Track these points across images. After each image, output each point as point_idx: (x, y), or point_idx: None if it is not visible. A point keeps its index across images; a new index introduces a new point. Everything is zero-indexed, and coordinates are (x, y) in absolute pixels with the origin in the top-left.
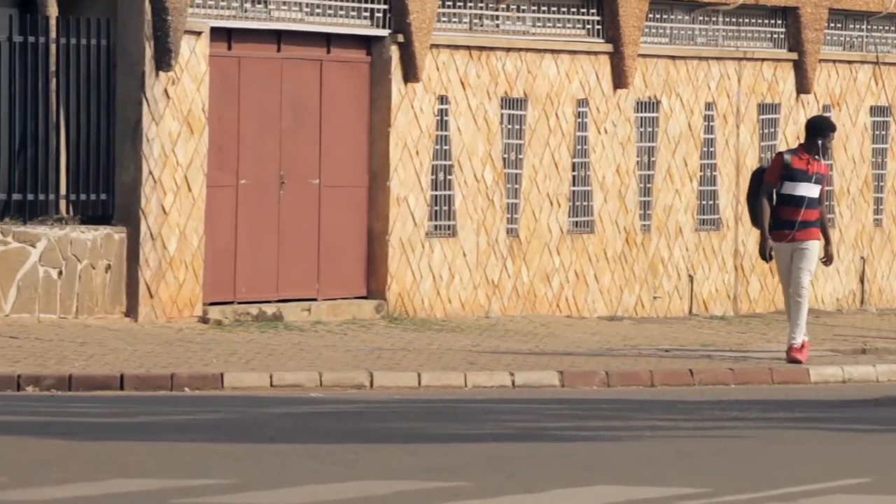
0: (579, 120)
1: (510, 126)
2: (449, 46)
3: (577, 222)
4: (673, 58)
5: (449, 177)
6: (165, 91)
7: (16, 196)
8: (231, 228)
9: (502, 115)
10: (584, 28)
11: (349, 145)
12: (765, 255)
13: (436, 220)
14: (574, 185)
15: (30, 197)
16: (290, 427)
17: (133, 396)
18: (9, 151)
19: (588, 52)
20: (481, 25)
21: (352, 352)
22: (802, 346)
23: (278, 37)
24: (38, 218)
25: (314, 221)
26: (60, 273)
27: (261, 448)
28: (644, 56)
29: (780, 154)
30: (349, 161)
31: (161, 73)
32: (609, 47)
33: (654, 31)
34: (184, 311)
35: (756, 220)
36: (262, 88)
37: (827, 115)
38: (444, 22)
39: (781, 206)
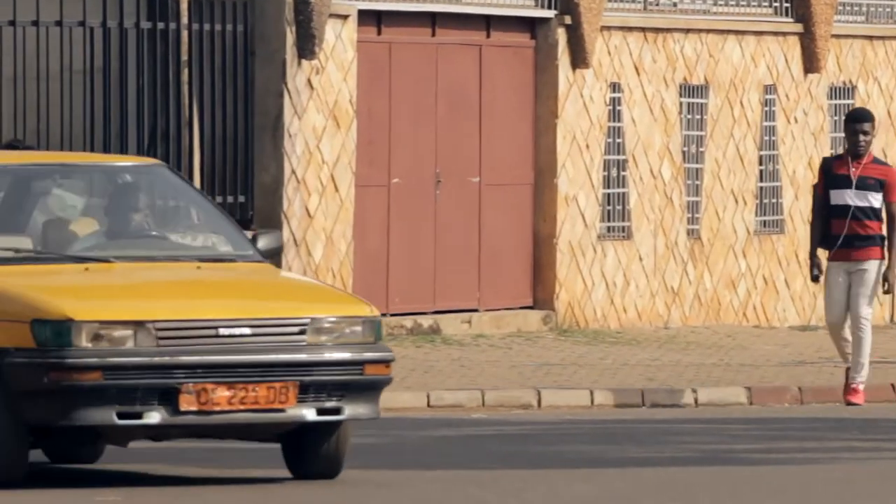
0: (766, 108)
1: (690, 116)
2: (621, 28)
3: (765, 222)
4: (870, 38)
5: (623, 173)
6: (309, 81)
7: None
8: (382, 233)
9: (681, 103)
10: (770, 6)
11: (512, 139)
12: (812, 274)
13: (608, 220)
14: (761, 180)
15: None
16: (449, 451)
17: None
18: (137, 149)
19: (776, 33)
20: (657, 5)
21: (517, 368)
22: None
23: (433, 19)
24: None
25: (474, 224)
26: None
27: (418, 475)
28: (838, 36)
29: (823, 159)
30: (512, 157)
31: (304, 62)
32: (799, 27)
33: (848, 8)
34: None
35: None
36: (415, 77)
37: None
38: (615, 1)
39: (829, 219)
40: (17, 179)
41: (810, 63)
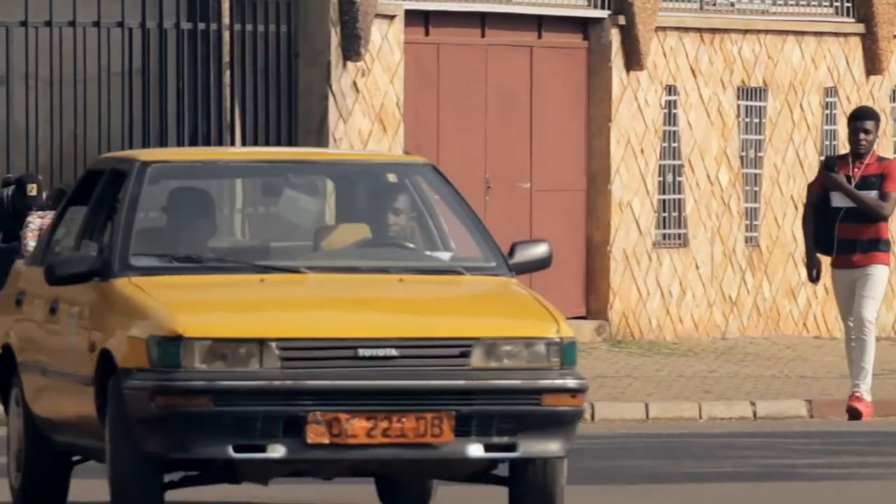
0: (827, 111)
1: (748, 119)
2: (677, 29)
3: None
4: None
5: (678, 178)
6: (354, 83)
7: None
8: None
9: (739, 106)
10: (831, 6)
11: (564, 143)
12: (810, 275)
13: (664, 227)
14: None
15: None
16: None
17: None
18: None
19: (837, 34)
20: (714, 5)
21: None
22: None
23: (482, 20)
24: None
25: (525, 231)
26: None
27: (467, 490)
28: None
29: (826, 157)
30: (564, 161)
31: (349, 63)
32: (861, 28)
33: None
34: None
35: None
36: (464, 79)
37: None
38: (671, 1)
39: (831, 222)
40: (258, 178)
41: (872, 65)
